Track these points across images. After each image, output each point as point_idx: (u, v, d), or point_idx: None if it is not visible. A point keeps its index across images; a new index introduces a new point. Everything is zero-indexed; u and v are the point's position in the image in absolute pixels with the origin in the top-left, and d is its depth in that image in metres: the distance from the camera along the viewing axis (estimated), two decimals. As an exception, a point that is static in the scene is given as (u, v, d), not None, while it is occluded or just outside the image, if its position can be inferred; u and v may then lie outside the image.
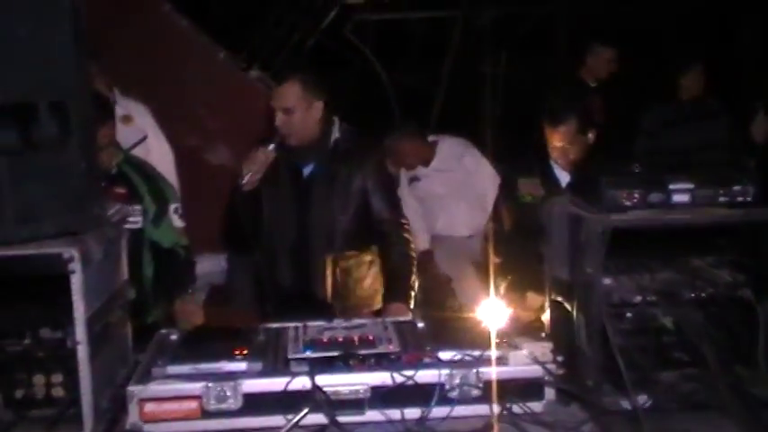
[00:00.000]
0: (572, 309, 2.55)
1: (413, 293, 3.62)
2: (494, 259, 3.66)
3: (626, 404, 2.31)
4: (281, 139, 3.46)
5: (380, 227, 3.65)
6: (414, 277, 3.65)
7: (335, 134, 3.57)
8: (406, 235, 3.69)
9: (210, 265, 5.70)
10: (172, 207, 3.63)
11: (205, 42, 6.42)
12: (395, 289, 3.62)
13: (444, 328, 2.80)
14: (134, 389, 2.39)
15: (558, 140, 3.40)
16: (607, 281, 2.41)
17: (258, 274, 3.89)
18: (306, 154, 3.55)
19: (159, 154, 5.20)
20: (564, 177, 3.48)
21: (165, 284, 3.63)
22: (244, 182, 3.42)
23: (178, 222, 3.65)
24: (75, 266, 2.32)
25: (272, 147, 3.43)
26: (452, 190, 5.67)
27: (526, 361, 2.49)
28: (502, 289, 3.59)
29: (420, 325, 2.86)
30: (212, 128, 6.35)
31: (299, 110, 3.43)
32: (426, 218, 5.84)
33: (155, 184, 3.63)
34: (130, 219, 3.40)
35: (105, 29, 5.27)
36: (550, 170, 3.52)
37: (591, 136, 3.43)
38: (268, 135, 3.50)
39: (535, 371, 2.45)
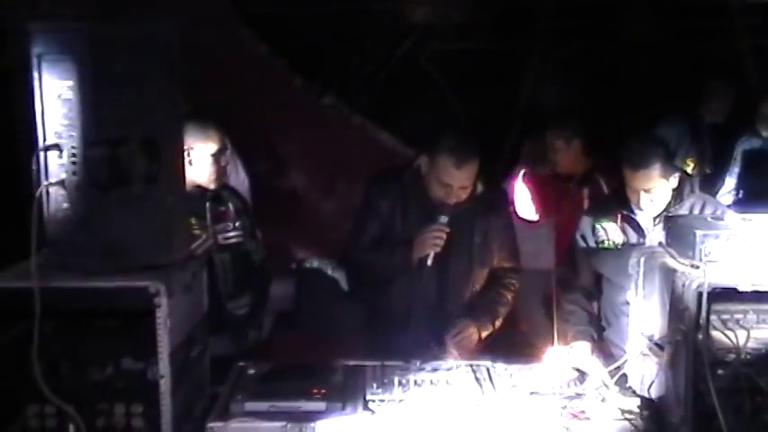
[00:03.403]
0: (661, 363, 2.48)
1: (491, 325, 3.59)
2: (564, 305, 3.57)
3: (718, 467, 2.23)
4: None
5: (496, 271, 3.70)
6: (500, 314, 3.63)
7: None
8: (514, 281, 3.70)
9: (278, 291, 5.71)
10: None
11: (281, 68, 6.46)
12: (476, 307, 3.60)
13: (525, 375, 2.74)
14: (214, 425, 2.39)
15: (637, 184, 3.31)
16: (699, 337, 2.32)
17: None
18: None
19: (236, 181, 5.24)
20: (645, 223, 3.39)
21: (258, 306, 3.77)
22: (429, 263, 3.45)
23: (259, 234, 3.78)
24: (161, 300, 2.33)
25: (445, 219, 3.44)
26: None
27: (613, 415, 2.42)
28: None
29: (498, 370, 2.81)
30: (284, 153, 6.40)
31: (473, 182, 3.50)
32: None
33: (244, 203, 3.76)
34: (231, 234, 3.58)
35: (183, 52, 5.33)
36: (632, 215, 3.42)
37: (674, 180, 3.34)
38: (430, 208, 3.49)
39: (622, 426, 2.39)
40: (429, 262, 3.43)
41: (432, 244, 3.42)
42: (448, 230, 3.42)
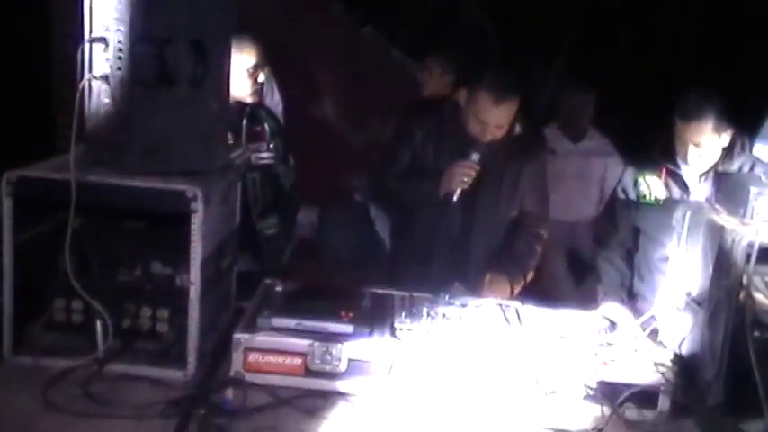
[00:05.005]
0: (697, 319, 2.43)
1: (523, 279, 3.49)
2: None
3: (746, 428, 2.20)
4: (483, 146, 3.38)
5: (525, 218, 3.59)
6: (530, 267, 3.52)
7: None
8: (543, 231, 3.60)
9: (300, 218, 5.68)
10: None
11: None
12: (507, 260, 3.49)
13: (554, 319, 2.71)
14: (241, 337, 2.36)
15: (688, 136, 3.21)
16: (742, 295, 2.28)
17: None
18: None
19: (270, 103, 5.18)
20: (690, 179, 3.31)
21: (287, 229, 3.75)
22: (455, 199, 3.37)
23: (291, 159, 3.75)
24: (198, 206, 2.29)
25: (477, 157, 3.34)
26: (579, 175, 5.34)
27: (645, 366, 2.39)
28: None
29: (527, 311, 2.77)
30: (319, 80, 6.32)
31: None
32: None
33: (279, 125, 3.76)
34: (264, 155, 3.57)
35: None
36: (677, 170, 3.33)
37: (726, 137, 3.23)
38: (464, 143, 3.38)
39: (653, 378, 2.35)
40: (455, 198, 3.36)
41: (459, 180, 3.33)
42: (478, 168, 3.35)
